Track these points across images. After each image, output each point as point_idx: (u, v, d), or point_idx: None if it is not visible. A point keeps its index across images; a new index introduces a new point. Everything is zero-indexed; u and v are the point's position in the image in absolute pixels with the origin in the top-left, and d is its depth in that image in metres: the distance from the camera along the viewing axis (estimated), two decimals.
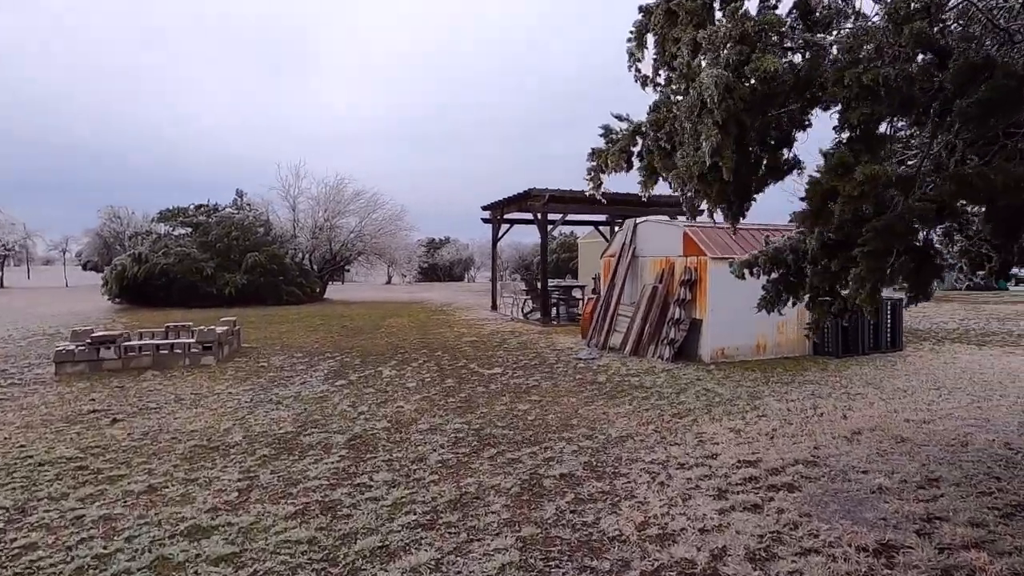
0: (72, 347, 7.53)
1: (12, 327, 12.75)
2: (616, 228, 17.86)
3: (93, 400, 5.95)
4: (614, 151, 3.34)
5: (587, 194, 3.63)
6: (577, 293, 15.38)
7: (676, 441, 4.58)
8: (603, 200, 13.08)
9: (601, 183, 3.56)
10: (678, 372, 7.26)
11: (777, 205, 20.44)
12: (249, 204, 22.21)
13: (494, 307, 16.80)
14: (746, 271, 3.56)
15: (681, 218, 9.97)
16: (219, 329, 8.71)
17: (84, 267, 47.14)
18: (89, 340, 7.61)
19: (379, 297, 24.24)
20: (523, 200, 13.75)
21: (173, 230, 20.98)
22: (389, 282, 43.99)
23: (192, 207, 22.59)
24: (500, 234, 16.92)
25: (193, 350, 8.02)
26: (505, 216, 16.24)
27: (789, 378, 6.92)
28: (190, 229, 21.15)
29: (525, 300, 15.67)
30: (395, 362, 8.20)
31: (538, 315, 13.80)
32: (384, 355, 8.84)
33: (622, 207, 13.90)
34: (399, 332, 11.79)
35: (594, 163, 3.50)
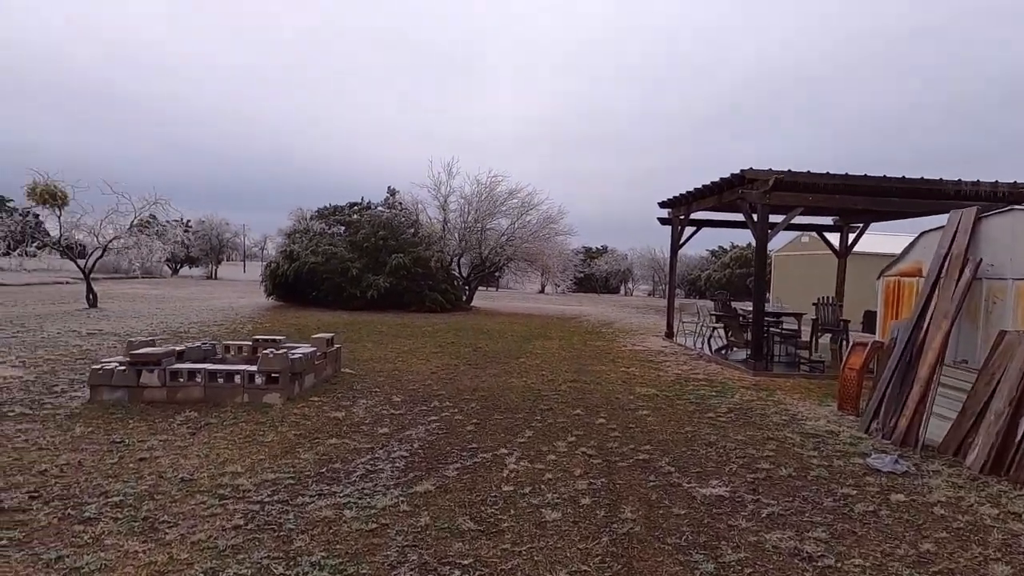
0: (112, 367, 5.63)
1: (155, 321, 12.26)
2: (841, 234, 12.83)
3: (53, 468, 3.67)
4: None
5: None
6: (790, 323, 10.91)
7: None
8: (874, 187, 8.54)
9: None
10: None
11: None
12: (400, 203, 21.10)
13: (670, 334, 12.91)
14: None
15: None
16: (301, 351, 6.36)
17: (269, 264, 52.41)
18: (128, 359, 5.66)
19: (528, 309, 21.61)
20: (725, 190, 9.77)
21: (329, 228, 20.58)
22: (542, 291, 41.75)
23: (347, 205, 22.25)
24: (683, 239, 12.99)
25: (255, 382, 5.69)
26: (692, 215, 12.30)
27: None
28: (343, 228, 20.58)
29: (714, 329, 11.58)
30: (530, 434, 5.00)
31: (741, 354, 9.69)
32: (516, 413, 5.72)
33: (910, 199, 9.20)
34: (544, 366, 8.64)
35: None
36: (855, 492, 3.87)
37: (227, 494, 3.44)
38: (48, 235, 16.97)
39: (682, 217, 12.64)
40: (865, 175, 8.65)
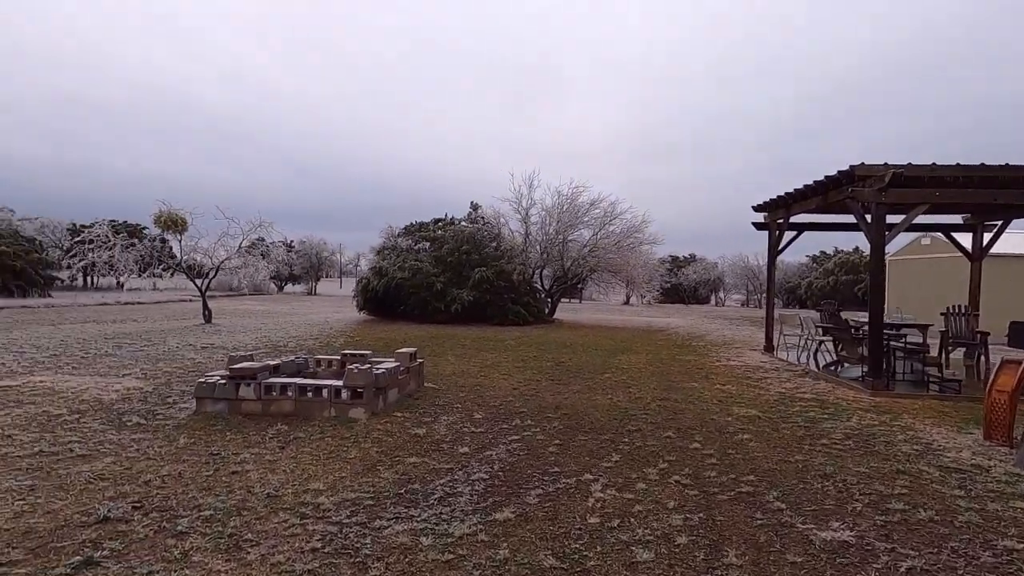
0: (215, 381, 5.97)
1: (259, 335, 13.14)
2: (974, 233, 11.23)
3: (157, 477, 3.87)
4: None
5: None
6: (914, 336, 9.66)
7: None
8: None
9: None
10: None
11: None
12: (482, 217, 21.38)
13: (770, 348, 11.91)
14: None
15: None
16: (385, 366, 6.43)
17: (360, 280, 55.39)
18: (228, 373, 5.97)
19: (613, 321, 21.01)
20: (831, 190, 8.86)
21: (415, 244, 21.23)
22: (627, 302, 40.68)
23: (432, 221, 22.87)
24: (781, 244, 11.99)
25: (341, 396, 5.80)
26: (792, 218, 11.32)
27: None
28: (428, 243, 21.16)
29: (821, 343, 10.52)
30: (617, 458, 4.66)
31: (855, 371, 8.68)
32: (601, 434, 5.39)
33: None
34: (631, 381, 8.21)
35: None
36: (1022, 546, 3.18)
37: (308, 512, 3.43)
38: (173, 257, 18.88)
39: (780, 221, 11.67)
40: (1006, 164, 7.49)
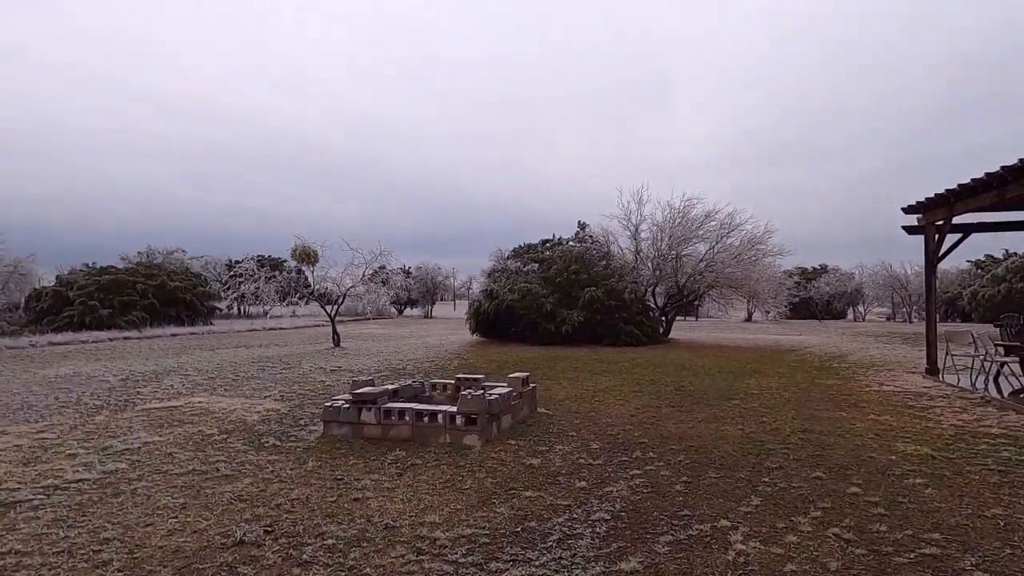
0: (339, 405, 6.26)
1: (380, 359, 13.87)
2: None
3: (274, 507, 4.04)
4: None
5: None
6: None
7: None
8: None
9: None
10: None
11: None
12: (591, 236, 21.06)
13: (933, 370, 10.22)
14: None
15: None
16: (498, 391, 6.35)
17: (472, 303, 57.47)
18: (351, 398, 6.22)
19: (735, 340, 19.50)
20: (1011, 182, 7.43)
21: (524, 266, 21.44)
22: (749, 319, 37.87)
23: (539, 243, 22.97)
24: (943, 249, 10.32)
25: (456, 423, 5.78)
26: (955, 219, 9.71)
27: None
28: (537, 264, 21.25)
29: (1003, 364, 8.83)
30: (757, 502, 4.09)
31: None
32: (735, 471, 4.81)
33: None
34: (764, 409, 7.39)
35: None
36: None
37: (424, 548, 3.34)
38: (307, 286, 20.77)
39: (940, 223, 10.07)
40: None
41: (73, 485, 4.47)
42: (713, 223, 19.31)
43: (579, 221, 22.94)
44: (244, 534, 3.48)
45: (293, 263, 19.21)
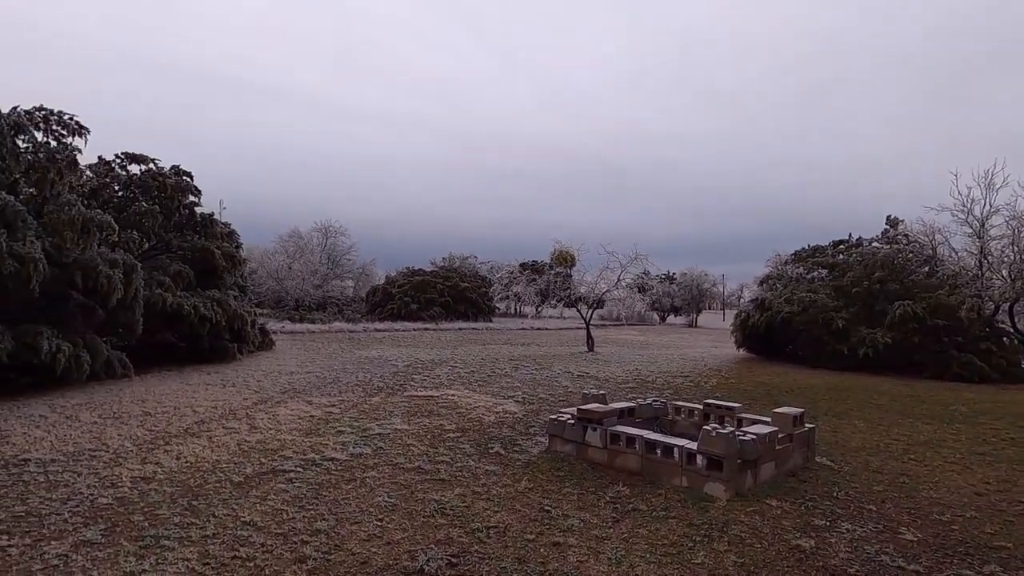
0: (565, 420, 5.74)
1: (631, 368, 13.14)
2: None
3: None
4: None
5: None
6: None
7: None
8: None
9: None
10: None
11: None
12: (905, 235, 16.30)
13: None
14: None
15: None
16: (756, 430, 4.95)
17: (738, 314, 51.91)
18: (576, 414, 5.62)
19: None
20: None
21: (807, 273, 17.96)
22: None
23: (830, 245, 18.88)
24: None
25: (696, 463, 4.64)
26: None
27: None
28: (825, 271, 17.54)
29: None
30: None
31: None
32: None
33: None
34: None
35: None
36: None
37: None
38: (567, 289, 21.38)
39: None
40: None
41: (326, 463, 4.93)
42: None
43: (888, 216, 18.12)
44: (427, 561, 3.17)
45: (554, 267, 19.94)
